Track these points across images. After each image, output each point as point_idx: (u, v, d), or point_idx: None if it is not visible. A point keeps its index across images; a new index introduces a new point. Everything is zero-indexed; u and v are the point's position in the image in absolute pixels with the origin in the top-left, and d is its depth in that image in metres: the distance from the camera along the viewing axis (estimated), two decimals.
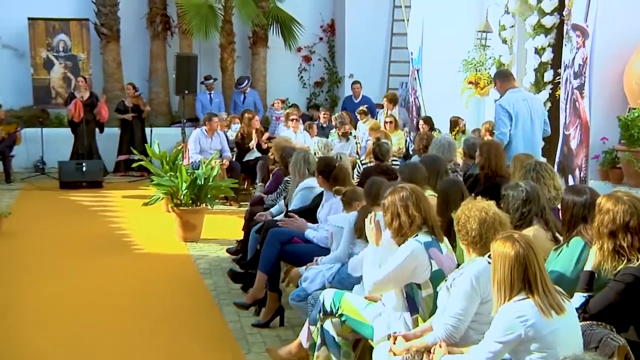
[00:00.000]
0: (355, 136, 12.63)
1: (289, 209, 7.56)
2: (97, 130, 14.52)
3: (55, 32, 16.05)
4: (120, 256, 8.94)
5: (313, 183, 7.50)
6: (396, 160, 10.31)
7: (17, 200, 12.25)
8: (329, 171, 6.76)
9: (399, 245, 4.55)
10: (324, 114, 14.18)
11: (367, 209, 5.54)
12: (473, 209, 4.05)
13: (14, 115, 14.98)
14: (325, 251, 6.20)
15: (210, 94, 15.67)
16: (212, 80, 15.82)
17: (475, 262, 4.04)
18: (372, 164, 9.01)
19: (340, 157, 8.35)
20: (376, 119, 13.15)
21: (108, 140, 14.69)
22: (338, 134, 12.35)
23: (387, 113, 13.21)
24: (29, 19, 15.69)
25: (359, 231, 5.59)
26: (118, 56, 16.54)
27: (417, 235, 4.50)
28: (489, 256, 3.73)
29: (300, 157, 7.78)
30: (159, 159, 10.17)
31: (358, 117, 13.32)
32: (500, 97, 8.27)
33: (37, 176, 14.40)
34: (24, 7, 15.50)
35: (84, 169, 13.60)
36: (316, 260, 6.05)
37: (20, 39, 15.98)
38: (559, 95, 8.63)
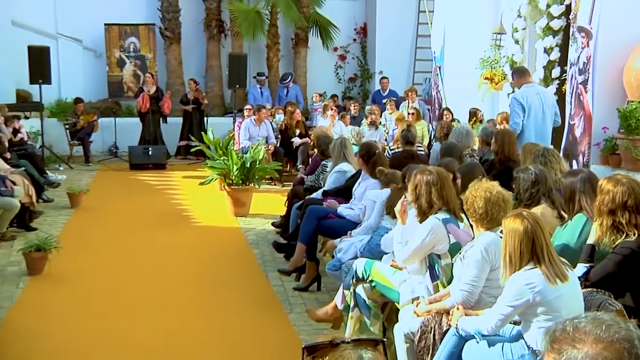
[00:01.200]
0: (384, 125, 12.56)
1: (324, 188, 7.56)
2: (161, 119, 14.65)
3: (127, 35, 16.21)
4: (180, 228, 9.01)
5: (346, 167, 7.48)
6: (420, 146, 10.25)
7: (94, 179, 12.41)
8: (369, 156, 6.72)
9: (420, 222, 4.54)
10: (354, 106, 14.18)
11: (400, 191, 5.52)
12: (479, 190, 4.02)
13: (92, 107, 15.18)
14: (357, 226, 6.19)
15: (260, 88, 15.68)
16: (263, 77, 15.86)
17: (483, 235, 4.02)
18: (399, 150, 8.94)
19: None
20: (399, 110, 13.06)
21: (170, 128, 14.77)
22: (367, 123, 12.29)
23: (408, 105, 13.15)
24: (105, 24, 15.93)
25: (389, 208, 5.57)
26: (179, 55, 16.63)
27: (437, 213, 4.49)
28: (501, 231, 3.70)
29: (338, 143, 7.78)
30: (213, 145, 10.23)
31: (387, 106, 13.25)
32: (513, 91, 8.19)
33: (111, 159, 14.57)
34: (101, 15, 15.78)
35: (150, 152, 13.74)
36: (349, 234, 6.06)
37: (98, 42, 16.22)
38: (565, 89, 8.56)
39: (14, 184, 8.19)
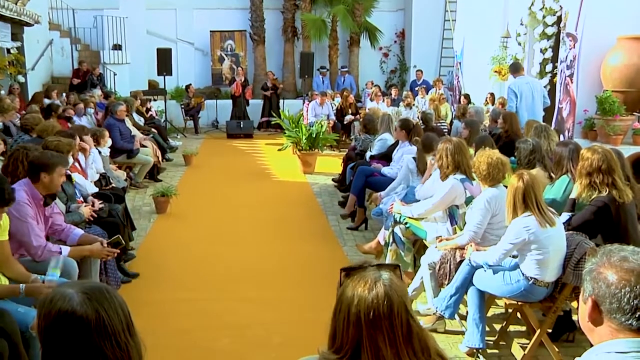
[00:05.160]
0: (416, 106, 12.39)
1: (371, 153, 7.52)
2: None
3: (226, 39, 16.28)
4: (263, 181, 9.14)
5: (387, 137, 7.44)
6: (443, 122, 10.17)
7: (201, 145, 12.56)
8: (409, 128, 6.70)
9: (443, 181, 4.54)
10: (394, 91, 14.01)
11: (422, 154, 5.53)
12: (483, 156, 4.00)
13: (200, 92, 15.35)
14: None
15: (323, 78, 15.59)
16: (325, 70, 15.75)
17: (486, 191, 4.01)
18: (424, 126, 8.85)
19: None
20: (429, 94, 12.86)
21: (253, 108, 14.71)
22: (404, 104, 12.13)
23: (436, 91, 12.93)
24: (210, 31, 16.07)
25: (420, 165, 5.55)
26: (263, 54, 16.60)
27: (455, 174, 4.47)
28: (507, 187, 3.67)
29: (386, 118, 7.74)
30: (288, 120, 10.28)
31: (419, 92, 13.08)
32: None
33: (213, 130, 14.74)
34: (208, 24, 16.01)
35: (241, 125, 13.79)
36: (382, 193, 6.04)
37: (205, 44, 16.34)
38: (556, 81, 8.44)
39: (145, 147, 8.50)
